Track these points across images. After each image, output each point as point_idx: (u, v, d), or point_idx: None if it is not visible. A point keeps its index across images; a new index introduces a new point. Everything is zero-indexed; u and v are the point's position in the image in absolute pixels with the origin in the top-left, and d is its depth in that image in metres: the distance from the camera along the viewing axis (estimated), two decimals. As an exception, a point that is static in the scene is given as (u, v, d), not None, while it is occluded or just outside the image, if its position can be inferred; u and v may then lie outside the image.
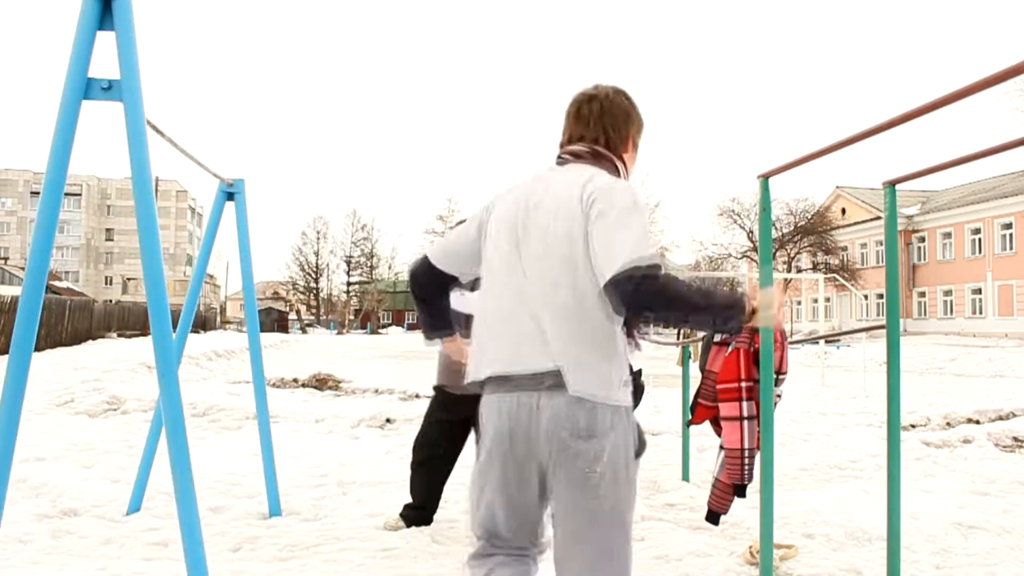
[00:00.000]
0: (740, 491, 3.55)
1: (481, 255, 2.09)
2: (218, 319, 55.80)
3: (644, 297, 1.73)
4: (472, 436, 4.08)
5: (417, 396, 10.05)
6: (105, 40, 2.63)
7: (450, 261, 2.14)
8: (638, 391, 3.03)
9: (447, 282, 2.16)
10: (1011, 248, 33.76)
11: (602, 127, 2.07)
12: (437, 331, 2.24)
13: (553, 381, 1.86)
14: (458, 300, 3.28)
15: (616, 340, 1.92)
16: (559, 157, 2.11)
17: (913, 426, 7.92)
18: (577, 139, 2.09)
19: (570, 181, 1.97)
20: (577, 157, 2.06)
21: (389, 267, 69.69)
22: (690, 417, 3.84)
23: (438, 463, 4.16)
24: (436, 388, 4.23)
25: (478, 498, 2.02)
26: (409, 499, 4.24)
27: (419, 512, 4.14)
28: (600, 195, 1.89)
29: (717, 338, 3.71)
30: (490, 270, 2.04)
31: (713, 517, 3.72)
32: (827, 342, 22.08)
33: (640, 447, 1.97)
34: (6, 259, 63.54)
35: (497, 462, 1.96)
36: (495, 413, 1.95)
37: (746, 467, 3.47)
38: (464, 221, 2.26)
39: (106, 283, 76.06)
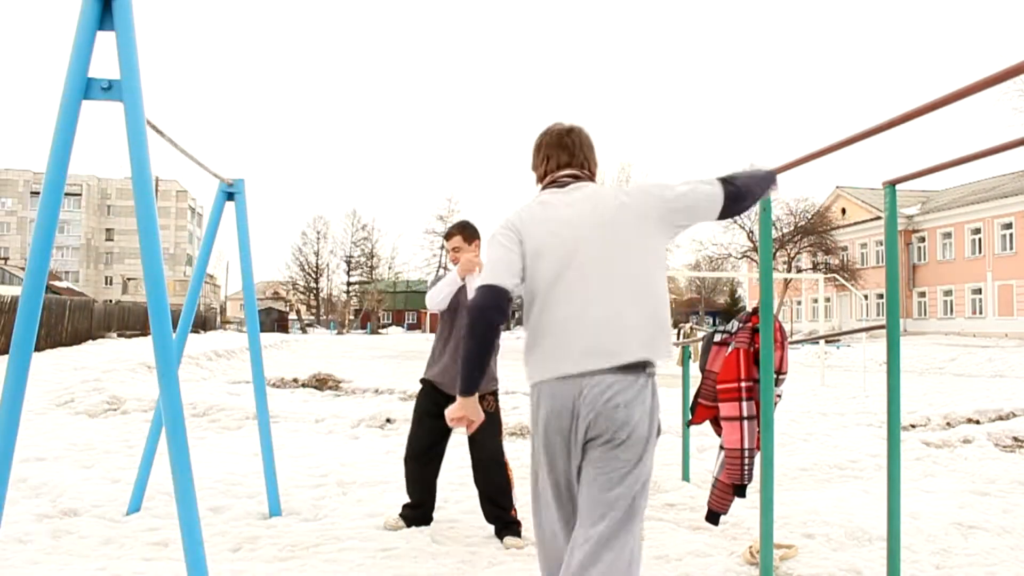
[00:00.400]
0: (740, 491, 3.55)
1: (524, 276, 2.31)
2: (218, 319, 55.80)
3: (744, 198, 2.36)
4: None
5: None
6: (105, 40, 2.63)
7: (516, 282, 2.28)
8: None
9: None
10: (1011, 248, 33.74)
11: (583, 155, 2.46)
12: (477, 384, 2.27)
13: (631, 366, 2.19)
14: None
15: (669, 322, 2.31)
16: (560, 180, 2.42)
17: (913, 426, 7.93)
18: (565, 165, 2.44)
19: (598, 200, 2.32)
20: (577, 179, 2.42)
21: (389, 267, 69.66)
22: (690, 417, 3.84)
23: (428, 458, 4.15)
24: (424, 381, 4.19)
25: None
26: (400, 495, 4.25)
27: (417, 511, 4.14)
28: (645, 189, 2.34)
29: (717, 338, 3.71)
30: (547, 289, 2.26)
31: (713, 517, 3.72)
32: (827, 342, 22.09)
33: (658, 429, 2.27)
34: (6, 259, 63.53)
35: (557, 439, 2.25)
36: (559, 397, 2.20)
37: (746, 467, 3.47)
38: (501, 247, 2.31)
39: (106, 283, 76.04)
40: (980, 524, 4.23)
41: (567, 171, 2.41)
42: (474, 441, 4.00)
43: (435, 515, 4.33)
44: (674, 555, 3.68)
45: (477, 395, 2.27)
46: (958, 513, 4.42)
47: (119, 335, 22.58)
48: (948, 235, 37.19)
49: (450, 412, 2.28)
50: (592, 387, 2.16)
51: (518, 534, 3.92)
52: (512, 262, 2.27)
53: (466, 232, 4.13)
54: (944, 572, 3.55)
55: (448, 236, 4.15)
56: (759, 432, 3.27)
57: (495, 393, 4.03)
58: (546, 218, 2.30)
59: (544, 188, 2.44)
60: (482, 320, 2.20)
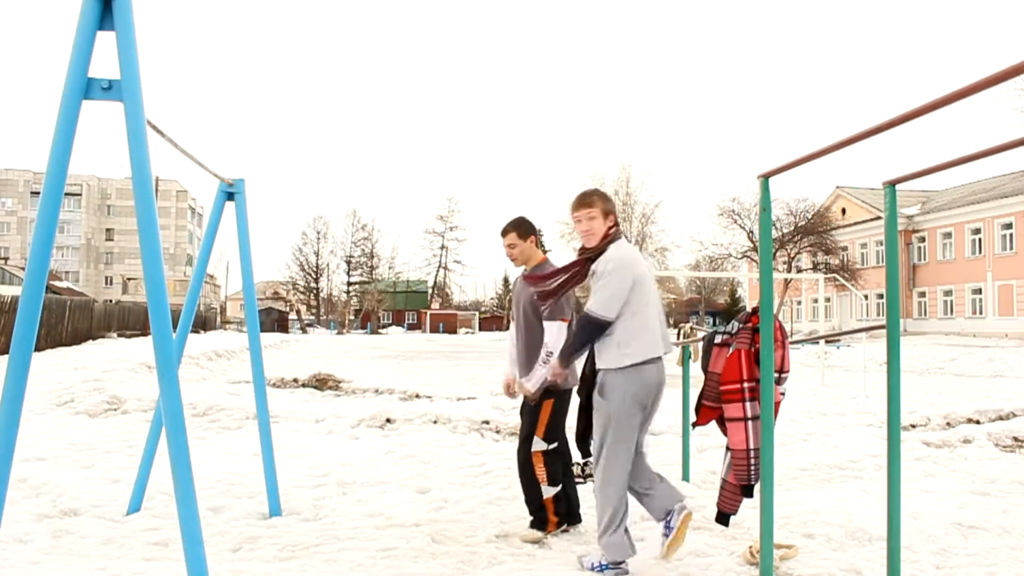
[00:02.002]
0: (748, 491, 3.54)
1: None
2: (218, 319, 55.79)
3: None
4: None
5: (417, 396, 10.04)
6: (105, 40, 2.63)
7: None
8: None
9: None
10: (1011, 248, 33.73)
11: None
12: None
13: None
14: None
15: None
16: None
17: (913, 426, 7.92)
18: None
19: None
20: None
21: (389, 267, 69.75)
22: (694, 419, 3.83)
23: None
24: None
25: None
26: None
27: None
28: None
29: (718, 339, 3.71)
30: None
31: (723, 518, 3.71)
32: (827, 342, 22.07)
33: None
34: (6, 259, 63.53)
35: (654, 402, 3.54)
36: (661, 373, 3.53)
37: (753, 467, 3.46)
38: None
39: (106, 283, 76.03)
40: (980, 524, 4.23)
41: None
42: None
43: (435, 515, 4.33)
44: (674, 555, 3.68)
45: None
46: (958, 513, 4.42)
47: (119, 335, 22.59)
48: (948, 235, 37.19)
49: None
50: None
51: (539, 528, 3.98)
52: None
53: (520, 228, 4.15)
54: (944, 572, 3.55)
55: (503, 233, 4.16)
56: (759, 432, 3.26)
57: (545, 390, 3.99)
58: (644, 265, 3.56)
59: (616, 231, 3.56)
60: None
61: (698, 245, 45.17)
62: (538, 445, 4.02)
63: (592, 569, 3.46)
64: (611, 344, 3.42)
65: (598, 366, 3.54)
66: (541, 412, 4.02)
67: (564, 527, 4.09)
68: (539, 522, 4.01)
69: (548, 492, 4.01)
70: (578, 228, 3.60)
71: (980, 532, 4.12)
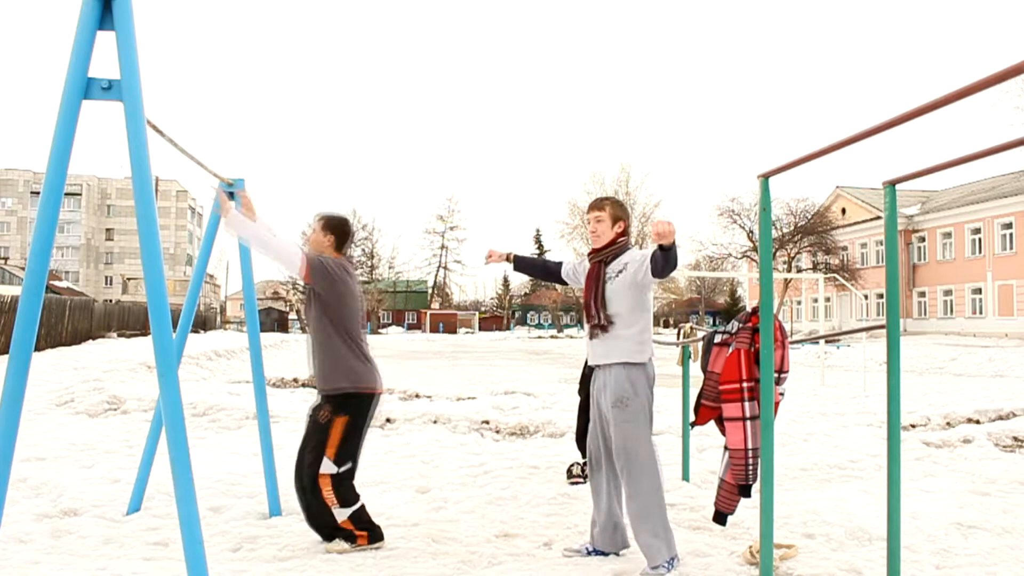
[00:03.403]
0: (745, 491, 3.55)
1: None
2: (218, 319, 55.75)
3: None
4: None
5: (417, 396, 10.04)
6: (105, 40, 2.63)
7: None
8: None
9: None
10: (1011, 248, 33.72)
11: None
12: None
13: None
14: None
15: None
16: None
17: (913, 426, 7.92)
18: None
19: None
20: None
21: (389, 267, 69.66)
22: (693, 418, 3.83)
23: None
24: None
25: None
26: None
27: None
28: None
29: (717, 339, 3.71)
30: None
31: (720, 518, 3.72)
32: (827, 342, 22.07)
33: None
34: (6, 259, 63.54)
35: None
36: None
37: (750, 467, 3.46)
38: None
39: (106, 283, 75.99)
40: (980, 524, 4.23)
41: None
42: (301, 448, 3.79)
43: (435, 515, 4.33)
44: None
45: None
46: (958, 513, 4.42)
47: (119, 335, 22.57)
48: (948, 235, 37.17)
49: None
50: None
51: (349, 539, 3.69)
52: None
53: (328, 224, 3.92)
54: (944, 572, 3.55)
55: (317, 218, 3.98)
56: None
57: (333, 398, 3.71)
58: None
59: (625, 240, 3.72)
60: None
61: (698, 245, 45.16)
62: (327, 467, 3.63)
63: (662, 570, 3.37)
64: (631, 339, 3.53)
65: (615, 360, 3.52)
66: (332, 430, 3.66)
67: (378, 544, 3.71)
68: (345, 537, 3.69)
69: (342, 515, 3.66)
70: (588, 228, 3.78)
71: (980, 532, 4.12)
